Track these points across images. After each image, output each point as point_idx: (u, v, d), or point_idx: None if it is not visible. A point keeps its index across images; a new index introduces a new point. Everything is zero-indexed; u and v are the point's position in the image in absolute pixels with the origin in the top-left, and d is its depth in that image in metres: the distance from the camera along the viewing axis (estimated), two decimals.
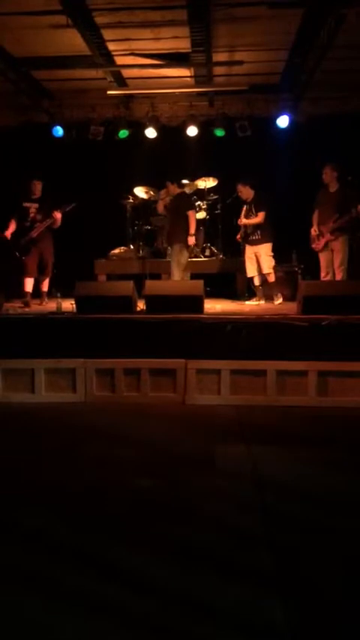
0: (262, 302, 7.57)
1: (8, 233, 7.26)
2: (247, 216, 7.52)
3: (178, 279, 7.59)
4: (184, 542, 2.75)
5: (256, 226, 7.42)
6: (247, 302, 7.68)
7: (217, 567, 2.52)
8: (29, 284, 7.44)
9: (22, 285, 7.41)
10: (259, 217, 7.37)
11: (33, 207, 7.35)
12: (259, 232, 7.43)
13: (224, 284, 8.54)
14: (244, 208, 7.61)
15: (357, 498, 3.26)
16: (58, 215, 7.24)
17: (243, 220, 7.54)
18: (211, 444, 4.15)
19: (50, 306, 7.09)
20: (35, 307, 7.26)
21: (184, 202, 7.74)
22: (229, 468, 3.74)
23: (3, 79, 7.67)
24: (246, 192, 7.51)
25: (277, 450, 4.03)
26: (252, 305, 7.46)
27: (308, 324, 5.50)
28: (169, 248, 8.16)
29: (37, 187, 7.43)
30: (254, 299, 7.67)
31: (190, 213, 7.57)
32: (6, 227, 7.31)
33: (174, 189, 7.83)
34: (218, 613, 2.20)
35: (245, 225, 7.54)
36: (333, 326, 5.45)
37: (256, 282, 7.65)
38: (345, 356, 5.25)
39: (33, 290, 7.54)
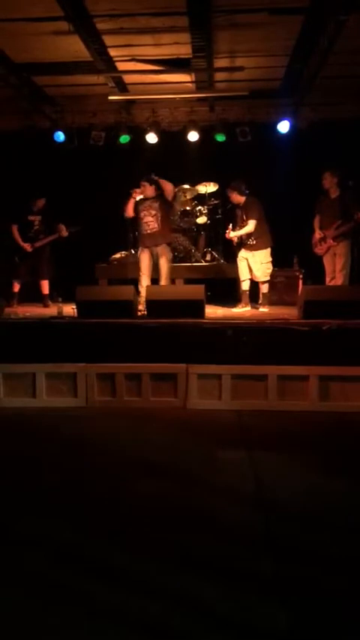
0: (249, 308, 7.24)
1: (28, 246, 7.77)
2: (240, 222, 7.20)
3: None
4: (185, 547, 2.75)
5: (249, 234, 7.10)
6: (233, 309, 7.22)
7: (217, 571, 2.53)
8: (17, 287, 7.92)
9: (10, 287, 7.86)
10: (250, 225, 7.03)
11: (37, 219, 7.85)
12: (253, 239, 7.09)
13: (225, 289, 8.47)
14: (237, 214, 7.33)
15: (357, 502, 3.26)
16: (64, 233, 7.82)
17: (231, 234, 7.18)
18: (213, 449, 4.14)
19: (52, 310, 7.12)
20: (38, 310, 7.33)
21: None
22: (230, 473, 3.73)
23: (4, 84, 7.69)
24: (234, 197, 7.21)
25: (279, 455, 4.03)
26: (238, 312, 7.07)
27: (309, 329, 5.50)
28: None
29: (40, 203, 7.88)
30: (240, 305, 7.29)
31: None
32: (12, 236, 7.81)
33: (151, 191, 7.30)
34: (219, 616, 2.21)
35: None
36: (334, 331, 5.45)
37: (245, 286, 7.31)
38: (346, 361, 5.25)
39: (34, 294, 8.04)
